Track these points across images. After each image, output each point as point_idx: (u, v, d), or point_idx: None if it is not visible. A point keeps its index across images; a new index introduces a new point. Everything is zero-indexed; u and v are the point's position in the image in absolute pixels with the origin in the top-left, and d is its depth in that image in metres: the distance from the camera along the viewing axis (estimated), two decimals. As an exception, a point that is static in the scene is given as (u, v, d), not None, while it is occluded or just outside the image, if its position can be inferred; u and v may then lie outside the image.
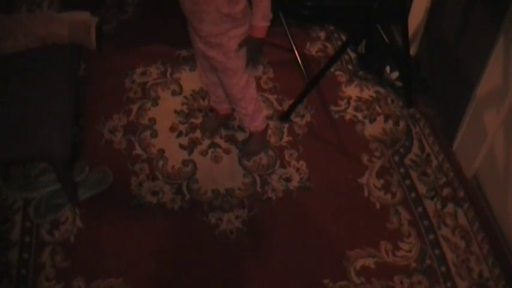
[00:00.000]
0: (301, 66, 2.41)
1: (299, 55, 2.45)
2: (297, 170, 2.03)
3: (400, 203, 1.94)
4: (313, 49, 2.55)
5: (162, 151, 2.08)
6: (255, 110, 1.94)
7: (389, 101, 2.30)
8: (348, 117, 2.23)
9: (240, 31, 1.68)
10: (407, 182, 2.01)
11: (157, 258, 1.77)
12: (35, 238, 1.81)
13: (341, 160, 2.08)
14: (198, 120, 2.19)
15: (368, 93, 2.33)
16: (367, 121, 2.21)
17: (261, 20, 1.66)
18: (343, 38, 2.60)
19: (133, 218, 1.88)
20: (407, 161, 2.08)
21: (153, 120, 2.19)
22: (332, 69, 2.34)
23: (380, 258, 1.79)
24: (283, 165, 2.05)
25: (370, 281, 1.73)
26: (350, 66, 2.46)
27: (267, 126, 2.08)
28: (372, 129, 2.19)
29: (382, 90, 2.34)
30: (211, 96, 2.07)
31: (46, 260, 1.75)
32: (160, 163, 2.04)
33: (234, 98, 1.90)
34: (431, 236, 1.85)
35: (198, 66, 1.97)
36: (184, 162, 2.05)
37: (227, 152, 2.09)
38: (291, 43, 2.48)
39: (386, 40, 2.39)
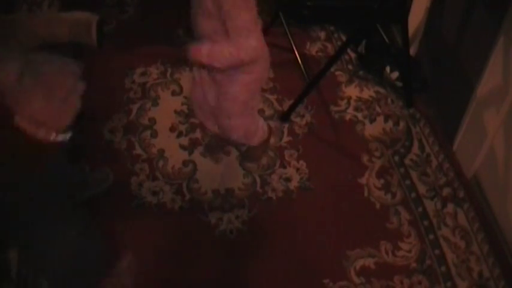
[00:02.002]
0: (301, 66, 2.41)
1: (299, 55, 2.45)
2: (297, 170, 2.03)
3: (400, 203, 1.94)
4: (313, 49, 2.55)
5: (162, 151, 2.08)
6: (251, 137, 1.85)
7: (389, 101, 2.30)
8: (348, 117, 2.23)
9: (246, 79, 1.57)
10: (407, 182, 2.01)
11: (157, 258, 1.77)
12: (35, 238, 1.81)
13: (341, 160, 2.08)
14: (198, 120, 2.19)
15: (368, 93, 2.33)
16: (367, 121, 2.22)
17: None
18: (343, 38, 2.60)
19: (133, 218, 1.88)
20: (407, 161, 2.08)
21: (153, 120, 2.19)
22: (332, 69, 2.34)
23: (380, 258, 1.79)
24: (283, 165, 2.05)
25: (370, 281, 1.73)
26: (350, 66, 2.46)
27: (269, 132, 1.97)
28: (372, 129, 2.19)
29: (382, 90, 2.35)
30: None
31: (46, 260, 1.75)
32: (161, 163, 2.04)
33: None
34: (431, 236, 1.85)
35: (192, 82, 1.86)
36: (185, 163, 2.05)
37: (227, 152, 2.09)
38: (291, 43, 2.48)
39: (387, 40, 2.39)
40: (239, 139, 1.83)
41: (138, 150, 2.08)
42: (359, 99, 2.30)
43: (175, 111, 2.22)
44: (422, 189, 1.99)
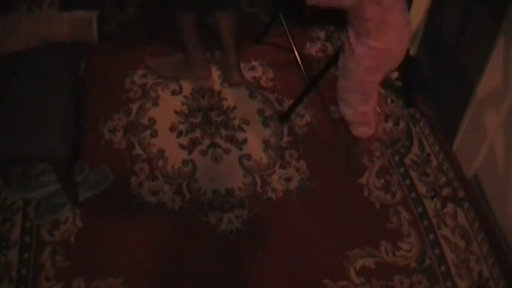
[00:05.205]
0: (301, 66, 2.41)
1: (299, 55, 2.45)
2: (297, 170, 2.03)
3: (400, 203, 1.94)
4: (313, 49, 2.55)
5: (162, 151, 2.08)
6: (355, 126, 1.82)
7: (389, 101, 2.30)
8: (348, 117, 2.23)
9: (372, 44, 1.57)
10: (407, 182, 2.01)
11: (157, 258, 1.77)
12: (35, 238, 1.81)
13: (341, 160, 2.08)
14: (198, 120, 2.19)
15: (368, 93, 2.33)
16: (367, 121, 2.21)
17: None
18: (343, 38, 2.59)
19: (134, 218, 1.88)
20: (407, 161, 2.08)
21: (153, 120, 2.19)
22: (332, 69, 2.34)
23: (380, 258, 1.79)
24: (283, 166, 2.05)
25: (370, 281, 1.73)
26: (350, 66, 2.45)
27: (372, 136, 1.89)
28: (372, 129, 2.19)
29: (381, 90, 2.34)
30: None
31: (46, 260, 1.75)
32: (160, 163, 2.04)
33: None
34: (431, 236, 1.85)
35: None
36: (184, 162, 2.05)
37: (227, 152, 2.09)
38: (291, 43, 2.48)
39: (386, 40, 2.39)
40: (346, 118, 1.81)
41: (138, 150, 2.08)
42: (359, 99, 2.30)
43: (175, 111, 2.22)
44: (422, 189, 1.99)
